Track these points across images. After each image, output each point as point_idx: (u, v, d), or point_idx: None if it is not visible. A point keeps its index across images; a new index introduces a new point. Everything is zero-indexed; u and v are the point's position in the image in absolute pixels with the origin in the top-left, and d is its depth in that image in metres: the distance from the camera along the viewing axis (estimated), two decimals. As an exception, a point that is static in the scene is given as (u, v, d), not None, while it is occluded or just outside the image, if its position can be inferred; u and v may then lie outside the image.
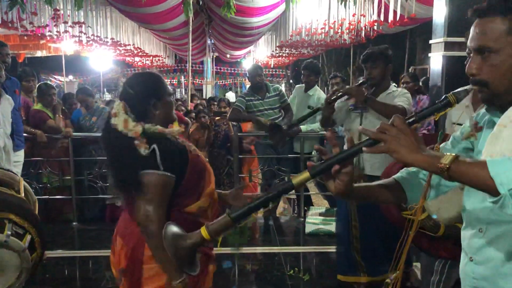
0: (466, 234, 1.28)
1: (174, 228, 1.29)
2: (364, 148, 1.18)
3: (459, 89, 1.20)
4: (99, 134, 5.07)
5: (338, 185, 1.25)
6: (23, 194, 2.37)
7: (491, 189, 0.99)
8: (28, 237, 2.10)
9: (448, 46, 4.60)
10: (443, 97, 1.22)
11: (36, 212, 2.52)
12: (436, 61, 4.83)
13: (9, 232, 2.00)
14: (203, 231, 1.20)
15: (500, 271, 1.16)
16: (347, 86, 3.39)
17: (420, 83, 5.87)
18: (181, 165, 1.79)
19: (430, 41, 4.87)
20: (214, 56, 15.99)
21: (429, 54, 4.98)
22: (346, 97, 3.27)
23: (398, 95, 3.20)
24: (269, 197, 1.21)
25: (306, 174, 1.19)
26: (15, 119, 3.94)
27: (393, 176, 1.46)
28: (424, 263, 2.64)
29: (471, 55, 1.22)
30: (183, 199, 1.84)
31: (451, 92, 1.21)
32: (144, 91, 1.84)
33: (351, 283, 3.34)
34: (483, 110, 1.29)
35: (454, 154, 1.05)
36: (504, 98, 1.18)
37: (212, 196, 1.95)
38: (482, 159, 1.04)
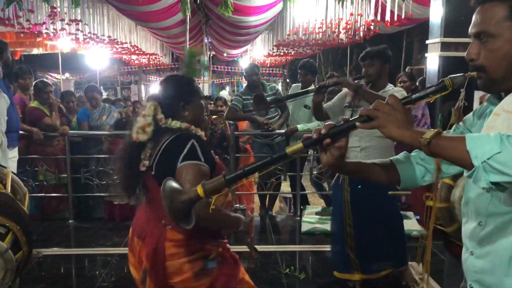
0: (466, 229, 1.30)
1: (173, 183, 1.33)
2: (357, 123, 1.21)
3: (456, 75, 1.22)
4: (99, 132, 5.11)
5: (329, 158, 1.28)
6: (9, 188, 2.32)
7: (467, 163, 1.02)
8: (12, 236, 2.03)
9: (444, 46, 4.62)
10: (439, 80, 1.24)
11: (26, 205, 2.46)
12: (432, 61, 4.85)
13: None
14: (199, 188, 1.23)
15: (500, 264, 1.18)
16: (341, 77, 3.46)
17: (417, 83, 5.90)
18: (212, 163, 1.86)
19: (427, 42, 4.90)
20: (211, 55, 15.95)
21: (426, 54, 5.01)
22: (343, 94, 3.32)
23: (395, 91, 3.22)
24: (263, 163, 1.25)
25: (299, 145, 1.22)
26: (9, 116, 3.93)
27: (389, 158, 1.51)
28: (448, 264, 2.62)
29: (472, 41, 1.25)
30: None
31: (448, 76, 1.23)
32: (174, 93, 1.96)
33: (346, 280, 3.37)
34: (485, 102, 1.32)
35: (436, 130, 1.09)
36: (501, 85, 1.21)
37: (227, 196, 2.03)
38: (462, 135, 1.07)
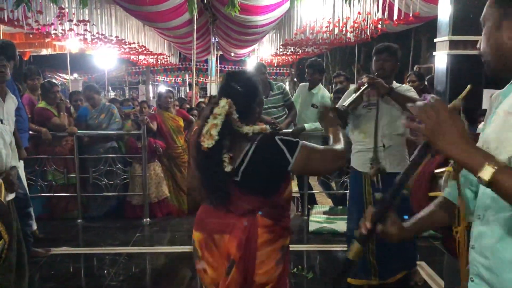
0: (473, 225, 1.30)
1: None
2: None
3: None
4: (108, 132, 5.13)
5: (393, 235, 1.35)
6: None
7: None
8: None
9: (453, 44, 4.58)
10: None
11: (2, 194, 2.44)
12: (441, 60, 4.81)
13: None
14: None
15: (495, 258, 1.17)
16: (370, 77, 3.26)
17: (426, 82, 5.85)
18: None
19: (435, 40, 4.86)
20: (218, 55, 15.97)
21: (434, 53, 4.97)
22: (350, 92, 3.27)
23: (406, 90, 3.18)
24: None
25: (357, 246, 1.33)
26: (18, 116, 3.95)
27: (442, 195, 1.46)
28: (447, 262, 2.60)
29: None
30: (285, 186, 1.93)
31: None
32: (251, 89, 1.86)
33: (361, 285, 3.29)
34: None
35: (501, 163, 0.98)
36: (498, 72, 1.22)
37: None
38: None
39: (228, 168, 1.79)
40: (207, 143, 1.74)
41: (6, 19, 5.89)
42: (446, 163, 1.83)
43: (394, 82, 3.28)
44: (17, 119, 3.79)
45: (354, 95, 3.12)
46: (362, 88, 3.12)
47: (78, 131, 4.99)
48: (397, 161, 3.19)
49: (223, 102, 1.77)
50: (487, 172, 0.97)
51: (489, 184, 0.98)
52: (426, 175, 1.88)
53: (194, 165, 1.95)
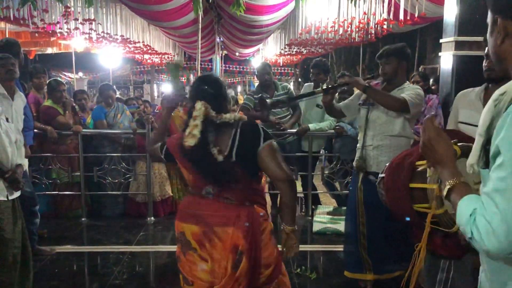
0: None
1: None
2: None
3: None
4: (113, 131, 5.14)
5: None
6: None
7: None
8: None
9: (458, 45, 4.56)
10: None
11: None
12: (446, 60, 4.79)
13: None
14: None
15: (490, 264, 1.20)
16: (351, 77, 3.43)
17: (431, 83, 5.84)
18: None
19: (441, 40, 4.84)
20: (223, 54, 15.96)
21: (439, 53, 4.95)
22: (360, 92, 3.29)
23: (406, 89, 3.19)
24: None
25: None
26: (25, 115, 3.97)
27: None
28: (427, 263, 2.62)
29: None
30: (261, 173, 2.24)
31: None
32: (220, 90, 2.14)
33: (358, 280, 3.35)
34: None
35: (457, 181, 1.21)
36: (497, 70, 1.35)
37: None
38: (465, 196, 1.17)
39: (220, 158, 2.04)
40: (190, 141, 2.00)
41: (12, 18, 5.91)
42: None
43: (407, 82, 3.29)
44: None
45: (332, 86, 3.28)
46: (341, 83, 3.29)
47: (91, 130, 5.03)
48: (385, 162, 3.16)
49: (199, 104, 2.04)
50: (446, 188, 1.22)
51: (447, 198, 1.22)
52: (405, 166, 1.89)
53: (187, 164, 2.15)
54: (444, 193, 1.21)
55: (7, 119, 3.18)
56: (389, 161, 3.19)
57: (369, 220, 3.25)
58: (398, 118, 3.15)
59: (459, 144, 1.63)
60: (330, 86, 3.25)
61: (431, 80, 5.94)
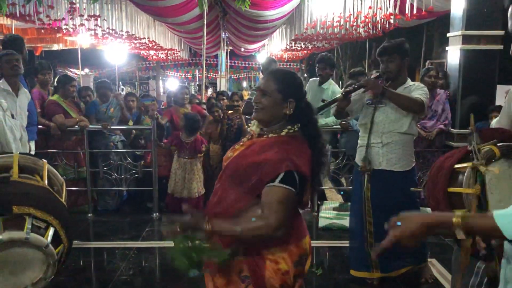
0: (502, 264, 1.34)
1: None
2: None
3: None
4: (118, 127, 5.13)
5: None
6: (46, 180, 2.28)
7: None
8: (51, 230, 1.99)
9: (466, 39, 4.53)
10: None
11: (64, 196, 2.42)
12: (453, 55, 4.75)
13: (29, 229, 1.90)
14: None
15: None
16: (364, 79, 3.35)
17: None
18: None
19: (448, 34, 4.80)
20: (228, 50, 15.94)
21: (447, 48, 4.91)
22: (362, 89, 3.24)
23: (415, 88, 3.16)
24: None
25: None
26: (29, 111, 3.99)
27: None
28: (456, 257, 2.55)
29: None
30: None
31: None
32: None
33: (364, 278, 3.33)
34: None
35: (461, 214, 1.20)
36: None
37: None
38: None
39: None
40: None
41: (18, 14, 5.93)
42: (468, 158, 1.79)
43: (409, 80, 3.25)
44: None
45: (347, 90, 3.22)
46: (355, 87, 3.20)
47: (96, 126, 5.03)
48: (395, 159, 3.16)
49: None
50: (458, 220, 1.21)
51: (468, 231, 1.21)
52: (444, 170, 1.82)
53: None
54: (460, 226, 1.20)
55: (12, 116, 3.19)
56: (398, 157, 3.19)
57: (376, 218, 3.21)
58: (408, 116, 3.13)
59: (499, 144, 1.58)
60: (348, 90, 3.20)
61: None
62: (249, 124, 2.31)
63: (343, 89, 3.34)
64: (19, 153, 2.49)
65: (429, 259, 3.53)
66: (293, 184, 1.67)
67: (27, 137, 3.81)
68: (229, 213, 1.72)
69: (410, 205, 3.22)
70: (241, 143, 1.90)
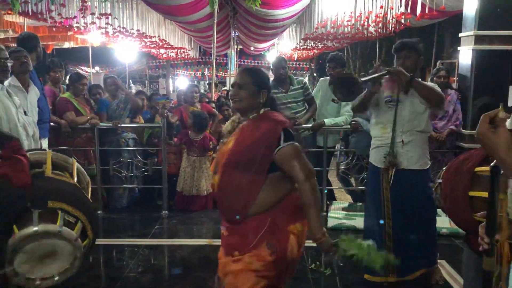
0: None
1: None
2: None
3: None
4: (128, 125, 5.15)
5: None
6: (75, 178, 2.39)
7: None
8: (80, 225, 2.12)
9: (478, 39, 4.48)
10: None
11: (89, 193, 2.54)
12: (465, 55, 4.71)
13: (62, 223, 2.02)
14: None
15: None
16: (392, 67, 3.19)
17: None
18: None
19: (460, 34, 4.76)
20: (238, 49, 15.96)
21: (458, 48, 4.87)
22: (370, 77, 3.19)
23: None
24: None
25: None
26: (42, 108, 4.01)
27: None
28: (467, 259, 2.52)
29: None
30: None
31: None
32: None
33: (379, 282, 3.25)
34: None
35: None
36: None
37: None
38: None
39: None
40: None
41: (30, 12, 5.98)
42: (487, 161, 1.76)
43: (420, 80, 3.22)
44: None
45: (374, 75, 3.06)
46: (382, 72, 3.05)
47: (107, 124, 5.05)
48: (415, 158, 3.14)
49: None
50: None
51: None
52: (464, 173, 1.78)
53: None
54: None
55: (25, 113, 3.22)
56: (418, 156, 3.16)
57: (396, 220, 3.14)
58: (424, 114, 3.10)
59: None
60: (378, 75, 3.05)
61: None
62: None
63: (373, 70, 3.19)
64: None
65: (438, 261, 3.50)
66: (292, 138, 2.00)
67: (38, 133, 3.86)
68: (241, 198, 1.98)
69: (428, 205, 3.18)
70: (228, 139, 2.11)
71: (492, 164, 1.31)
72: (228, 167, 2.03)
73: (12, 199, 1.94)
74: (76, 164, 2.48)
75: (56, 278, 2.09)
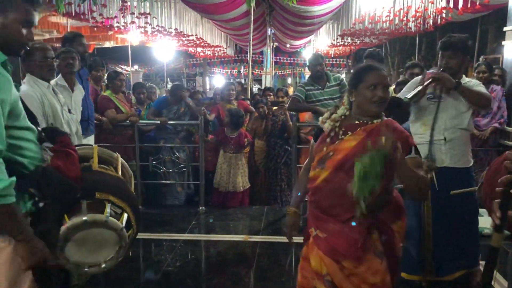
0: None
1: None
2: None
3: None
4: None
5: None
6: (120, 172, 2.50)
7: None
8: (125, 216, 2.20)
9: (524, 33, 4.31)
10: None
11: (132, 186, 2.65)
12: (510, 50, 4.54)
13: (109, 213, 2.11)
14: None
15: None
16: (436, 72, 3.13)
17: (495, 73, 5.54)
18: None
19: (505, 28, 4.59)
20: (274, 46, 15.94)
21: (503, 42, 4.70)
22: (416, 81, 3.14)
23: (473, 85, 3.03)
24: None
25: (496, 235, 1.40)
26: (88, 106, 4.16)
27: None
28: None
29: None
30: None
31: None
32: None
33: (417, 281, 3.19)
34: None
35: None
36: None
37: None
38: None
39: None
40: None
41: (73, 13, 6.18)
42: None
43: (464, 76, 3.12)
44: None
45: (419, 88, 3.02)
46: (427, 82, 3.02)
47: (147, 121, 5.17)
48: (458, 155, 3.06)
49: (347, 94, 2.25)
50: None
51: None
52: (503, 173, 1.72)
53: None
54: None
55: (69, 110, 3.34)
56: (461, 154, 3.08)
57: (436, 219, 3.08)
58: (467, 112, 3.02)
59: None
60: (425, 84, 3.02)
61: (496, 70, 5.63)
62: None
63: (420, 80, 3.14)
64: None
65: (480, 262, 3.40)
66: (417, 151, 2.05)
67: (81, 130, 3.99)
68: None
69: (470, 205, 3.10)
70: (343, 136, 2.15)
71: None
72: (345, 168, 2.01)
73: (66, 189, 2.03)
74: (120, 159, 2.57)
75: (103, 266, 2.17)
